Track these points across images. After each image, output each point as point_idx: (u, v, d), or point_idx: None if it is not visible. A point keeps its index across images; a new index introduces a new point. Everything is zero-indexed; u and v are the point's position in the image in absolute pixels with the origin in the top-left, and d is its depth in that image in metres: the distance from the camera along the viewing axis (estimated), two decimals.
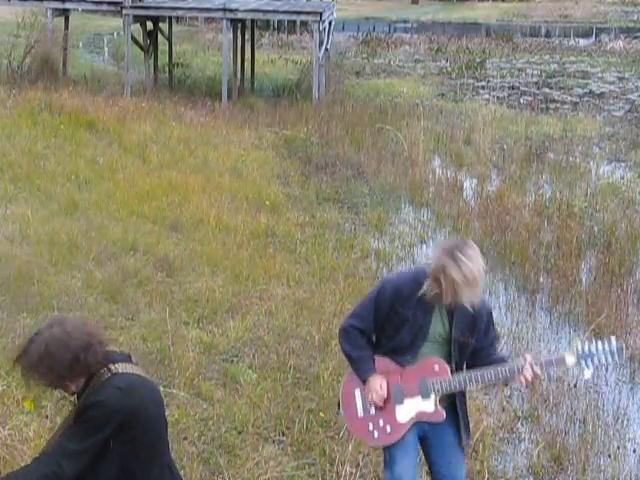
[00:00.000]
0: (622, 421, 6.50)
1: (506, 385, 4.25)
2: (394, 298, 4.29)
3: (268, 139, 15.47)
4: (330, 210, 11.45)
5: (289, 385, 6.50)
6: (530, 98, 21.00)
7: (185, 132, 15.06)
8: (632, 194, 12.47)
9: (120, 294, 8.01)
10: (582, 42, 35.69)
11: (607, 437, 6.21)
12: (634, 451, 6.12)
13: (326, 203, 11.83)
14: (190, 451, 5.60)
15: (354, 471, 5.39)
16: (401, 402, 4.32)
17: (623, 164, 14.87)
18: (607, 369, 7.36)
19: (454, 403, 4.40)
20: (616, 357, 4.26)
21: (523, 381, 4.26)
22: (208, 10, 20.10)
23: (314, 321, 7.53)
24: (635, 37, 36.50)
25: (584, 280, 9.33)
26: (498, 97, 21.02)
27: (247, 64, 22.12)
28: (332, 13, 21.03)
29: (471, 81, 24.03)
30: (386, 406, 4.34)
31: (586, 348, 4.24)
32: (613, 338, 4.30)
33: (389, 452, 4.38)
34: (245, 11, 19.22)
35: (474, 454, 5.77)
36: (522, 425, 6.37)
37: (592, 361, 4.23)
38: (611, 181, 13.34)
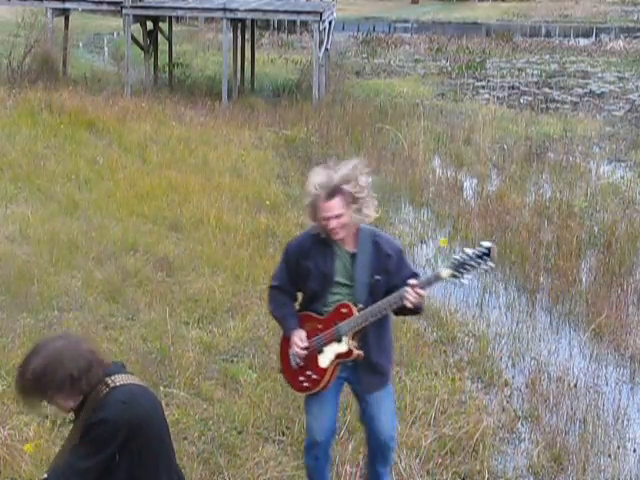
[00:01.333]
0: (622, 421, 6.50)
1: (402, 311, 4.53)
2: (298, 253, 4.61)
3: (268, 139, 15.47)
4: None
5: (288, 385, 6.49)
6: (530, 98, 21.00)
7: (185, 132, 15.06)
8: (632, 194, 12.46)
9: (120, 294, 8.01)
10: (582, 42, 35.68)
11: (607, 437, 6.21)
12: (634, 451, 6.11)
13: None
14: (190, 451, 5.60)
15: (354, 471, 5.39)
16: (321, 351, 4.62)
17: (623, 164, 14.87)
18: (606, 367, 7.38)
19: (377, 335, 4.66)
20: (486, 260, 4.37)
21: (408, 303, 4.41)
22: (208, 10, 20.11)
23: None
24: (635, 37, 36.49)
25: (584, 280, 9.33)
26: (498, 97, 21.01)
27: (247, 64, 22.12)
28: (332, 13, 21.03)
29: (471, 81, 24.03)
30: (310, 356, 4.62)
31: (458, 258, 4.40)
32: (484, 242, 4.43)
33: (306, 401, 4.78)
34: (245, 11, 19.23)
35: (474, 454, 5.77)
36: (522, 425, 6.37)
37: (465, 269, 4.39)
38: (611, 181, 13.33)
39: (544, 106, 19.92)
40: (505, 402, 6.65)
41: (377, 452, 4.84)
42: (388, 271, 4.55)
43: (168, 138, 14.48)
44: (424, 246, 10.39)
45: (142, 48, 20.41)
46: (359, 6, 49.19)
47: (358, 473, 5.37)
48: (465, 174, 13.65)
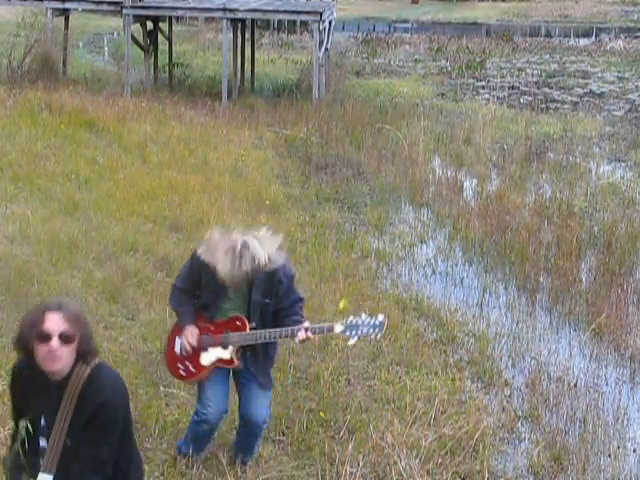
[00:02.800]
0: (622, 421, 6.50)
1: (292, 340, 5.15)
2: (200, 267, 5.03)
3: (268, 139, 15.47)
4: (330, 210, 11.45)
5: (289, 385, 6.51)
6: (530, 98, 20.99)
7: (185, 132, 15.06)
8: (632, 194, 12.47)
9: (120, 294, 8.02)
10: (582, 42, 35.68)
11: (607, 437, 6.21)
12: (634, 451, 6.12)
13: (326, 203, 11.82)
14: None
15: (354, 471, 5.39)
16: (206, 349, 5.16)
17: (623, 164, 14.87)
18: (606, 367, 7.38)
19: (257, 354, 5.16)
20: (377, 331, 4.95)
21: (297, 340, 4.98)
22: (208, 10, 20.10)
23: (314, 321, 7.50)
24: (635, 37, 36.49)
25: (584, 280, 9.33)
26: (498, 97, 21.01)
27: (247, 64, 22.11)
28: (332, 13, 21.02)
29: (471, 81, 24.03)
30: (194, 351, 5.17)
31: (353, 320, 4.96)
32: (380, 315, 5.00)
33: (200, 386, 5.30)
34: (245, 11, 19.22)
35: (474, 454, 5.77)
36: (522, 425, 6.37)
37: (356, 332, 4.95)
38: (611, 181, 13.33)
39: (544, 106, 19.92)
40: (505, 402, 6.65)
41: (251, 429, 5.36)
42: (277, 295, 5.04)
43: (168, 138, 14.48)
44: (424, 246, 10.39)
45: (142, 48, 20.40)
46: (359, 6, 49.17)
47: (358, 473, 5.37)
48: (465, 174, 13.65)
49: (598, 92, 22.82)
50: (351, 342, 5.01)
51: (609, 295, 8.63)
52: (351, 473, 5.37)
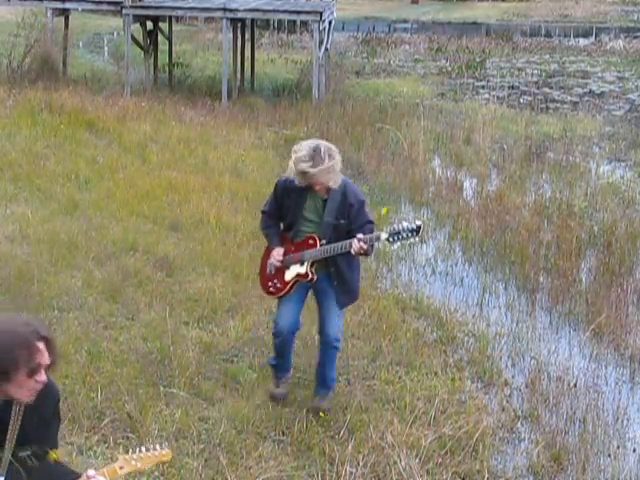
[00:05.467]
0: (622, 421, 6.50)
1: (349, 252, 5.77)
2: (282, 190, 5.98)
3: (268, 139, 15.47)
4: None
5: (289, 385, 6.50)
6: (530, 98, 20.99)
7: (185, 132, 15.05)
8: (632, 194, 12.46)
9: (120, 294, 8.01)
10: (582, 42, 35.69)
11: (607, 437, 6.21)
12: (634, 451, 6.11)
13: None
14: (190, 450, 5.61)
15: (354, 471, 5.39)
16: (288, 267, 6.00)
17: (623, 164, 14.87)
18: (606, 367, 7.39)
19: (341, 271, 5.95)
20: (415, 234, 5.68)
21: (353, 250, 5.70)
22: (208, 10, 20.09)
23: (314, 320, 7.51)
24: (635, 37, 36.49)
25: (584, 280, 9.33)
26: (498, 97, 21.00)
27: (247, 64, 22.11)
28: (332, 13, 21.02)
29: (471, 81, 24.03)
30: (280, 269, 6.03)
31: (395, 227, 5.72)
32: (418, 220, 5.78)
33: (279, 301, 6.15)
34: (245, 11, 19.22)
35: (474, 454, 5.77)
36: (522, 425, 6.37)
37: (399, 237, 5.70)
38: (611, 181, 13.33)
39: (544, 106, 19.92)
40: (505, 402, 6.65)
41: (327, 349, 6.09)
42: (349, 217, 5.85)
43: (168, 138, 14.48)
44: (424, 246, 10.39)
45: (142, 48, 20.39)
46: (359, 6, 49.18)
47: (358, 473, 5.37)
48: (465, 174, 13.65)
49: (598, 92, 22.82)
50: (394, 247, 5.88)
51: (609, 295, 8.62)
52: (351, 473, 5.37)
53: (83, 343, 6.83)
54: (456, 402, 6.46)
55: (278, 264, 5.99)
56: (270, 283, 6.11)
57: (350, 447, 5.59)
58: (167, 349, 6.82)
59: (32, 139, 13.36)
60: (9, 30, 22.37)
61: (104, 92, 17.86)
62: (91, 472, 3.60)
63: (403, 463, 5.47)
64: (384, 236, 5.72)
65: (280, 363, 6.28)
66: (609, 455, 6.00)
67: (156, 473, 5.38)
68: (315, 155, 5.64)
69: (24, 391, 3.48)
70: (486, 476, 5.56)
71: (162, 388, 6.31)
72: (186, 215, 10.44)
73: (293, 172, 5.77)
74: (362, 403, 6.32)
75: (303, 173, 5.69)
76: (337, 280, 5.96)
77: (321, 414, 6.07)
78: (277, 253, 6.00)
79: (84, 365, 6.48)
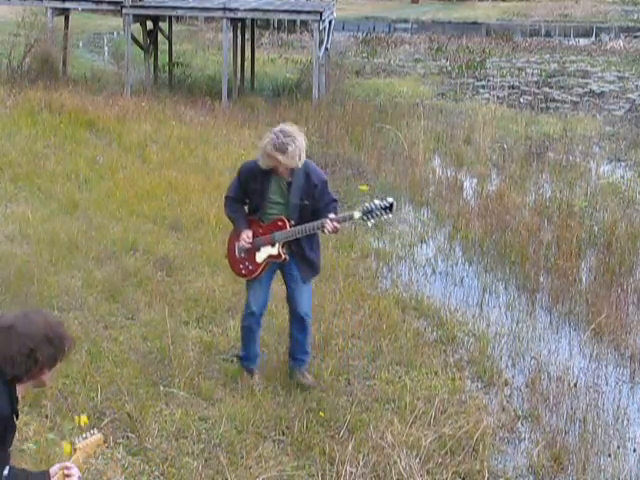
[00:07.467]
0: (622, 421, 6.50)
1: (323, 232, 6.11)
2: (247, 175, 6.19)
3: None
4: None
5: (289, 385, 6.50)
6: (530, 97, 20.99)
7: (185, 131, 15.05)
8: (632, 194, 12.46)
9: (120, 294, 8.01)
10: (582, 41, 35.70)
11: (607, 437, 6.21)
12: (634, 450, 6.12)
13: None
14: (190, 450, 5.61)
15: (354, 471, 5.39)
16: (259, 249, 6.22)
17: (623, 163, 14.87)
18: (606, 367, 7.38)
19: (302, 247, 6.18)
20: (388, 211, 5.96)
21: (327, 230, 6.02)
22: (208, 9, 20.09)
23: (314, 320, 7.51)
24: (635, 36, 36.49)
25: (584, 280, 9.32)
26: (498, 96, 20.99)
27: (247, 63, 22.12)
28: (332, 12, 21.02)
29: (471, 80, 24.03)
30: (250, 252, 6.23)
31: (367, 206, 5.94)
32: (389, 197, 6.05)
33: (248, 283, 6.40)
34: (245, 10, 19.22)
35: (474, 454, 5.77)
36: (522, 425, 6.36)
37: (372, 216, 5.96)
38: (611, 181, 13.33)
39: (544, 106, 19.91)
40: (505, 402, 6.65)
41: (297, 323, 6.40)
42: (314, 197, 6.09)
43: (168, 138, 14.47)
44: (424, 246, 10.39)
45: (142, 48, 20.40)
46: (359, 6, 49.18)
47: (358, 473, 5.37)
48: (465, 174, 13.65)
49: (598, 92, 22.82)
50: (369, 224, 6.13)
51: (609, 295, 8.62)
52: (351, 473, 5.37)
53: (83, 343, 6.82)
54: (456, 402, 6.46)
55: (248, 246, 6.18)
56: (242, 265, 6.31)
57: (350, 447, 5.59)
58: (167, 349, 6.82)
59: (32, 139, 13.36)
60: (9, 29, 22.38)
61: (104, 92, 17.87)
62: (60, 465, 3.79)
63: (403, 463, 5.47)
64: (357, 215, 6.00)
65: (249, 350, 6.50)
66: (609, 455, 6.00)
67: (156, 473, 5.38)
68: (283, 140, 5.85)
69: (50, 381, 3.78)
70: (486, 476, 5.56)
71: (162, 388, 6.31)
72: (186, 215, 10.43)
73: (261, 157, 5.99)
74: (362, 403, 6.32)
75: (271, 157, 5.89)
76: (300, 258, 6.21)
77: (321, 414, 6.07)
78: (246, 235, 6.17)
79: (84, 365, 6.48)
